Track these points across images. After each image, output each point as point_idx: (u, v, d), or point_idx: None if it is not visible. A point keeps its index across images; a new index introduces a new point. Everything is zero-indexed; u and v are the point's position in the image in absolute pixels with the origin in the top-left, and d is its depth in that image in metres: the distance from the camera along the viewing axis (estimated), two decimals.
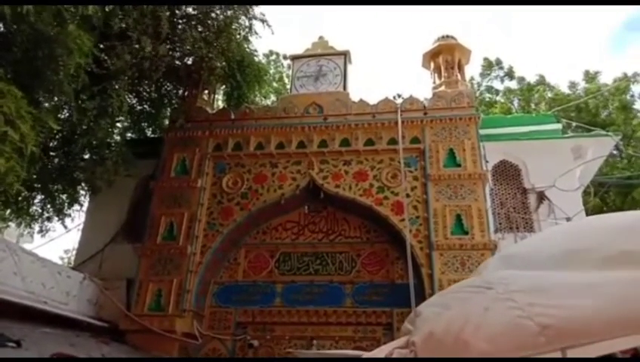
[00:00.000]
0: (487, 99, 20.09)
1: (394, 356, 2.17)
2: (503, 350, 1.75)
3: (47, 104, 7.09)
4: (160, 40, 7.83)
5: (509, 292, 1.94)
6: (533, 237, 3.32)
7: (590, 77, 19.13)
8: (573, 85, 19.30)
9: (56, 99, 7.24)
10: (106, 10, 7.10)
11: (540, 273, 2.06)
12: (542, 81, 19.72)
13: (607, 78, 19.04)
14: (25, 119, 5.13)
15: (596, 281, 1.82)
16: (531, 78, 20.02)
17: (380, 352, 2.44)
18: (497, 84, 20.70)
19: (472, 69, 20.01)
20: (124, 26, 7.22)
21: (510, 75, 20.40)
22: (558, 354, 1.68)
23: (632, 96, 17.94)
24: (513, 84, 20.37)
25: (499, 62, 20.67)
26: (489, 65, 20.65)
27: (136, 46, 7.59)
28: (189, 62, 9.51)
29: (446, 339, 1.91)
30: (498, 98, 20.26)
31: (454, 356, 1.86)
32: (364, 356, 2.80)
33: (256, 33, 9.61)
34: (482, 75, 20.81)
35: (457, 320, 1.97)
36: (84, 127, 7.79)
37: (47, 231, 9.67)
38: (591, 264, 1.94)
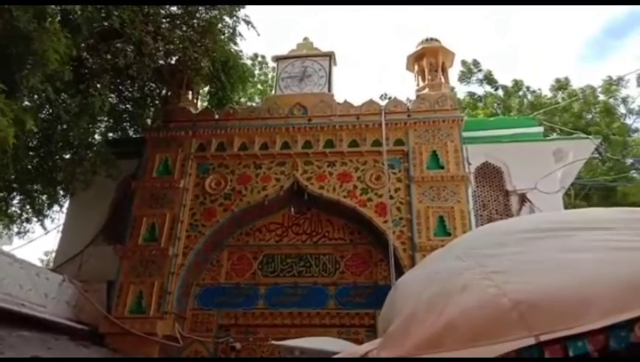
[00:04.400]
0: (470, 103, 20.12)
1: (372, 355, 2.17)
2: (479, 326, 1.80)
3: (27, 102, 6.98)
4: (148, 38, 7.77)
5: (487, 273, 2.00)
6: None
7: (561, 84, 19.39)
8: (554, 88, 19.57)
9: (36, 97, 7.14)
10: (100, 8, 7.03)
11: (515, 249, 2.12)
12: (519, 86, 19.83)
13: (582, 83, 19.41)
14: (4, 112, 5.03)
15: (569, 259, 1.86)
16: (508, 83, 20.06)
17: (361, 349, 2.43)
18: (477, 88, 20.65)
19: (453, 73, 19.97)
20: (119, 24, 7.14)
21: (488, 79, 20.27)
22: (532, 341, 1.69)
23: (625, 99, 18.34)
24: (491, 90, 20.42)
25: (477, 64, 20.45)
26: (469, 70, 20.57)
27: (118, 47, 7.52)
28: (173, 62, 9.45)
29: (428, 318, 1.97)
30: (480, 104, 20.29)
31: (435, 334, 1.89)
32: (342, 353, 2.79)
33: (240, 35, 9.59)
34: (461, 80, 20.70)
35: (438, 299, 2.05)
36: (65, 125, 7.68)
37: (26, 232, 9.54)
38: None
